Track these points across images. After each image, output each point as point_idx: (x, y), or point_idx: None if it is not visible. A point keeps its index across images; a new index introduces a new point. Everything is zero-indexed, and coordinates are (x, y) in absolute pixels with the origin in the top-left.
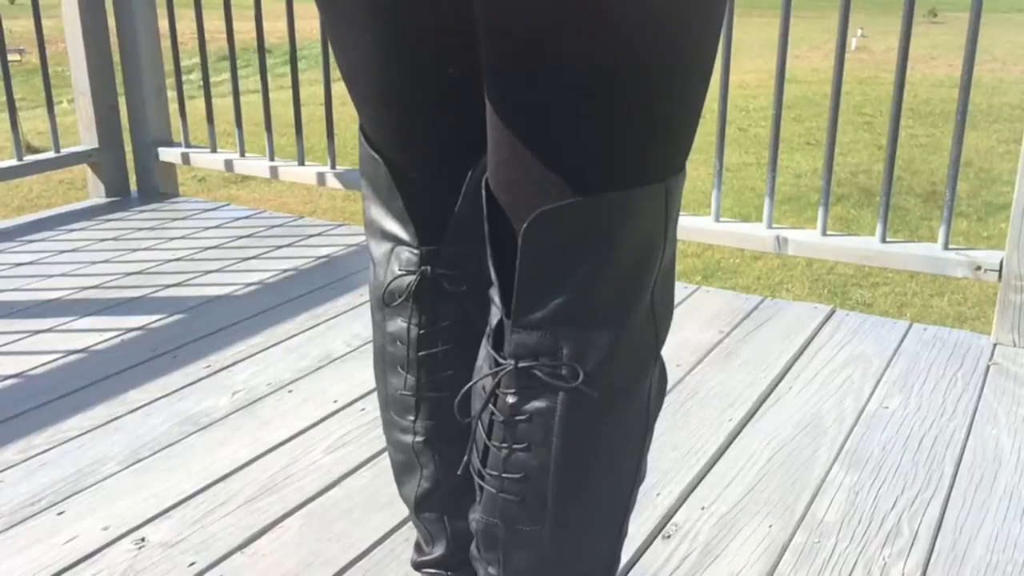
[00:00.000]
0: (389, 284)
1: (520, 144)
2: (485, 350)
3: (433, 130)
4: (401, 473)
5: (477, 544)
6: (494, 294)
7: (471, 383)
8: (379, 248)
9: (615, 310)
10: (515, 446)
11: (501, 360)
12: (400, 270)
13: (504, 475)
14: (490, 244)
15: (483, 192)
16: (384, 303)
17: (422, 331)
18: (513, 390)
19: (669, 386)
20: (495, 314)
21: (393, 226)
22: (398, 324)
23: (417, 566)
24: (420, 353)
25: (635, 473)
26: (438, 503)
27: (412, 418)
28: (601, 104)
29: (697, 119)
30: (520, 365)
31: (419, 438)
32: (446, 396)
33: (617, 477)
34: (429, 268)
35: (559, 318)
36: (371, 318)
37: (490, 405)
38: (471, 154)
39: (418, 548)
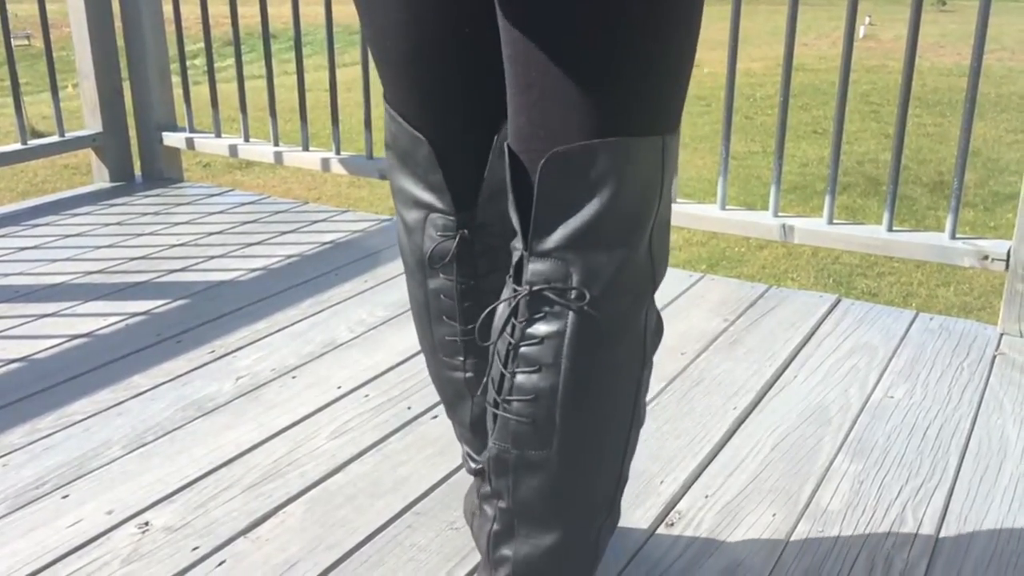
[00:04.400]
0: (434, 249)
1: (537, 107)
2: (508, 287)
3: (458, 98)
4: (452, 402)
5: (488, 475)
6: (516, 243)
7: (490, 307)
8: (411, 215)
9: (618, 243)
10: (527, 368)
11: (518, 289)
12: (438, 235)
13: (516, 399)
14: (512, 192)
15: (505, 151)
16: (428, 264)
17: (464, 286)
18: (527, 316)
19: (673, 374)
20: (516, 254)
21: (427, 196)
22: (441, 281)
23: (476, 472)
24: (465, 304)
25: (633, 406)
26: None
27: (462, 359)
28: (609, 61)
29: (687, 84)
30: (534, 289)
31: (469, 374)
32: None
33: (618, 404)
34: (466, 231)
35: (569, 245)
36: (408, 276)
37: (506, 332)
38: (494, 122)
39: (471, 458)
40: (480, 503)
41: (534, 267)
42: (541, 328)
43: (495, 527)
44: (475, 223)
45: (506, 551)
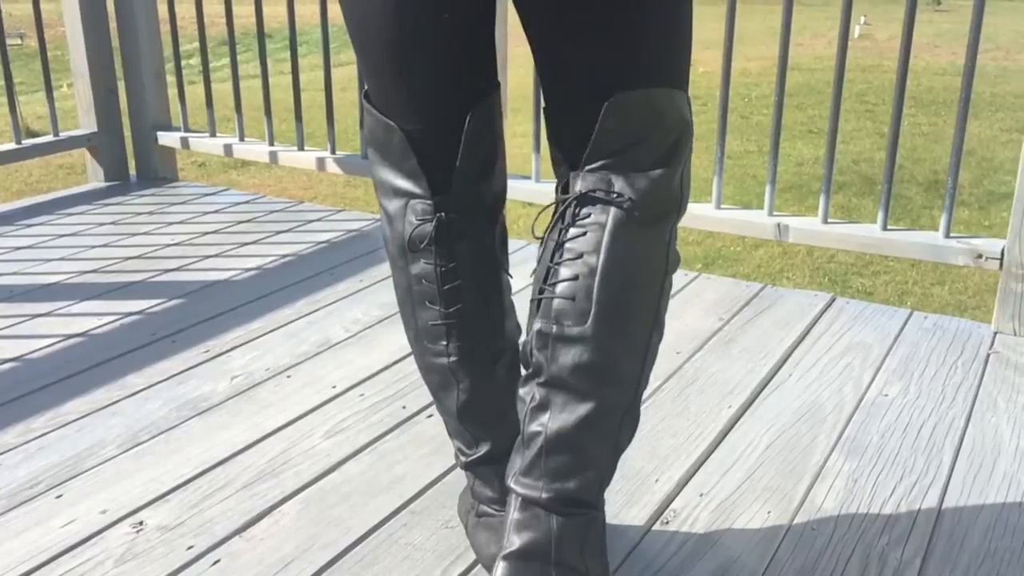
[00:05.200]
0: (411, 233)
1: (569, 116)
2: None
3: (437, 83)
4: (439, 392)
5: (530, 353)
6: (562, 170)
7: (546, 206)
8: (392, 204)
9: (656, 171)
10: (571, 257)
11: (566, 196)
12: (417, 220)
13: (560, 282)
14: (552, 138)
15: (540, 111)
16: (408, 250)
17: (444, 268)
18: (572, 218)
19: (668, 372)
20: (563, 181)
21: (405, 183)
22: (422, 266)
23: (467, 466)
24: (445, 287)
25: (656, 310)
26: (478, 409)
27: (444, 343)
28: (657, 25)
29: (691, 48)
30: (583, 192)
31: (453, 359)
32: (471, 319)
33: (643, 296)
34: (444, 214)
35: (616, 167)
36: (392, 266)
37: (553, 234)
38: (467, 104)
39: (461, 452)
40: (517, 391)
41: (584, 181)
42: (585, 222)
43: (532, 404)
44: (453, 206)
45: (537, 427)
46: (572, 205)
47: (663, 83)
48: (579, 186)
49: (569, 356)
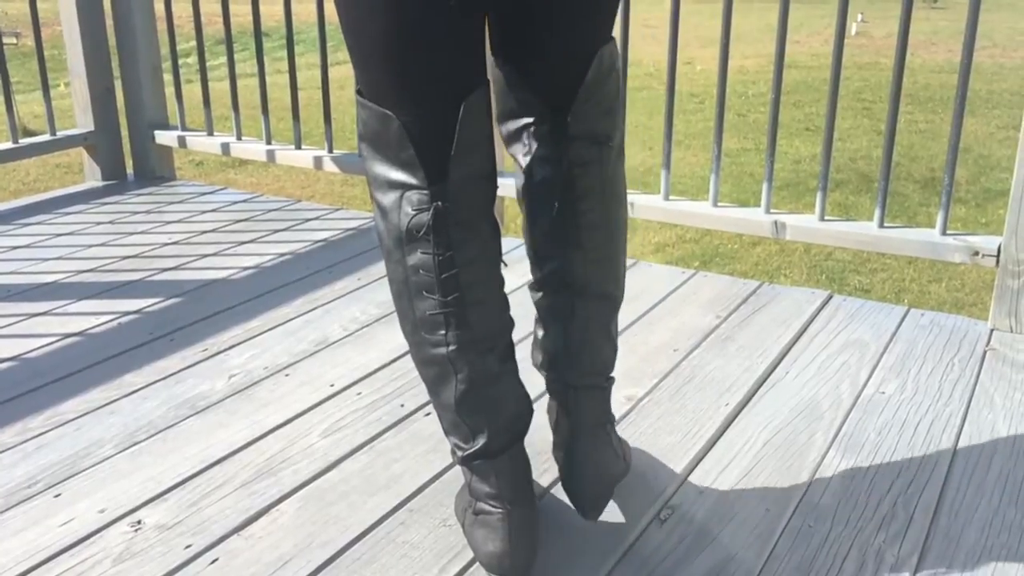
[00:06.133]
0: (408, 223)
1: (574, 28)
2: (546, 142)
3: (432, 71)
4: (436, 385)
5: (573, 271)
6: (518, 112)
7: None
8: (387, 197)
9: (611, 109)
10: (584, 192)
11: (558, 143)
12: (413, 210)
13: (581, 215)
14: (525, 88)
15: (496, 73)
16: (405, 241)
17: (441, 257)
18: (571, 154)
19: (666, 370)
20: (513, 115)
21: (400, 175)
22: (419, 256)
23: (464, 460)
24: (443, 275)
25: (627, 217)
26: (476, 400)
27: (443, 332)
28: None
29: None
30: (577, 133)
31: (452, 347)
32: (469, 307)
33: (624, 212)
34: (440, 203)
35: (589, 107)
36: (387, 260)
37: (557, 165)
38: (463, 91)
39: (458, 447)
40: (547, 303)
41: (574, 122)
42: (583, 156)
43: (572, 315)
44: (448, 195)
45: (582, 332)
46: (571, 144)
47: (609, 38)
48: (570, 128)
49: (599, 271)
